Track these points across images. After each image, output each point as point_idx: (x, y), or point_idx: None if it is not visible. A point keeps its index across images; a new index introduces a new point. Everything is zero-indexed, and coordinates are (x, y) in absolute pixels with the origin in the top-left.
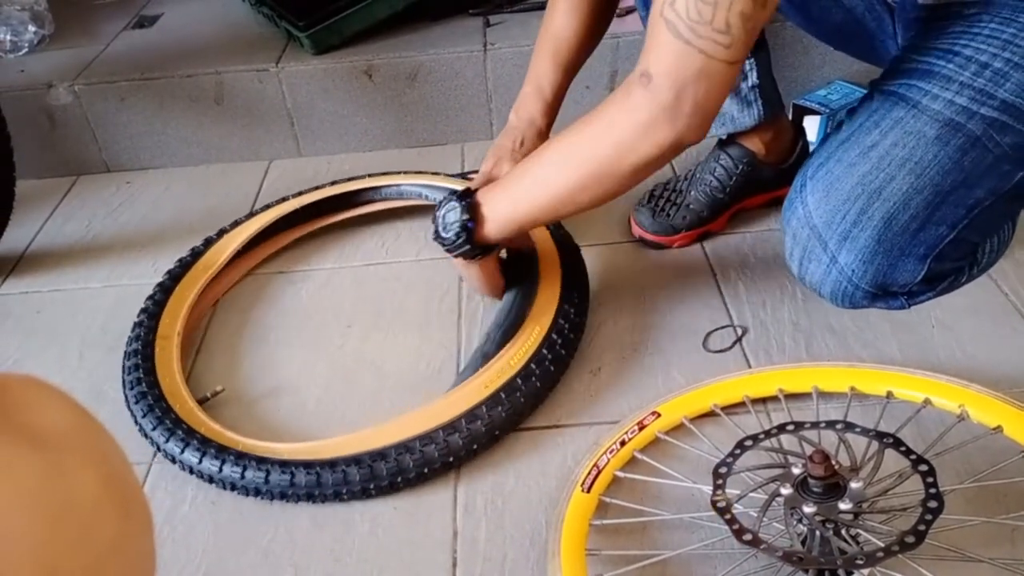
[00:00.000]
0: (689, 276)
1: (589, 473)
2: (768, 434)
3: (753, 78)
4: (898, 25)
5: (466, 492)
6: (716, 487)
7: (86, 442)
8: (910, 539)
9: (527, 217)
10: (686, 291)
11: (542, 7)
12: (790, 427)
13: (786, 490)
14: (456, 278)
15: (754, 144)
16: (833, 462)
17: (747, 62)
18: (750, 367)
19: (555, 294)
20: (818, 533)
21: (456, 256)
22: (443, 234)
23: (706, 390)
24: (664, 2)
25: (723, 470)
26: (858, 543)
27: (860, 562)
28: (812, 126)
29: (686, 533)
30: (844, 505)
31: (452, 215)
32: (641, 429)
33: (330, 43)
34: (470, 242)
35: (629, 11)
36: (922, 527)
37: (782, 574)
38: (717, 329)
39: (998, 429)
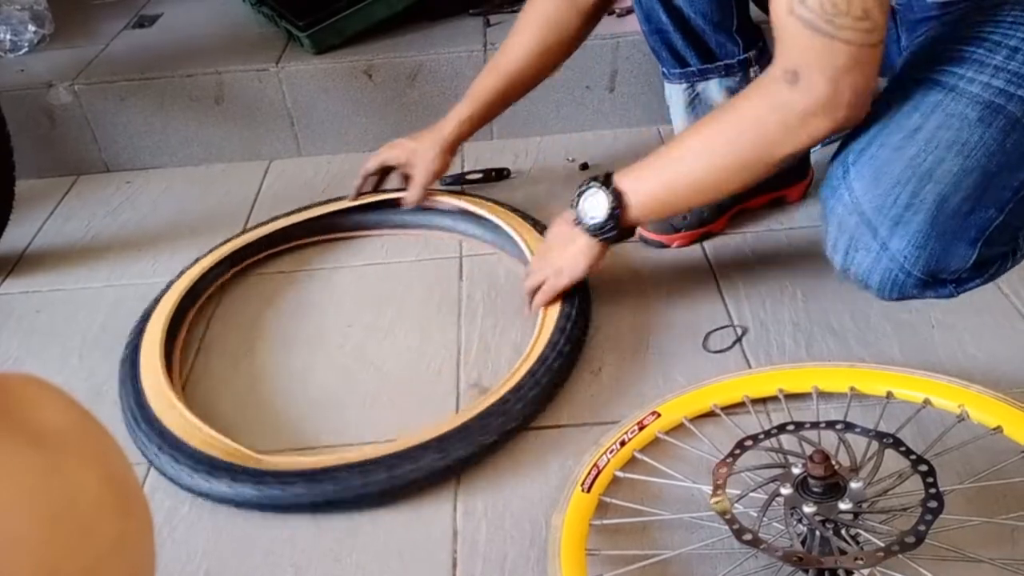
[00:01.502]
0: (689, 276)
1: (589, 473)
2: (768, 434)
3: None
4: (901, 29)
5: (466, 492)
6: (716, 487)
7: (86, 442)
8: (910, 539)
9: (670, 204)
10: (686, 291)
11: None
12: (790, 427)
13: (786, 490)
14: (456, 278)
15: None
16: (833, 462)
17: (751, 70)
18: (750, 367)
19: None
20: (818, 533)
21: (601, 240)
22: (588, 220)
23: (706, 390)
24: (791, 1)
25: (723, 470)
26: (858, 543)
27: (860, 562)
28: None
29: (686, 533)
30: (844, 505)
31: (596, 201)
32: (641, 429)
33: (330, 43)
34: (617, 227)
35: (628, 11)
36: (922, 527)
37: (782, 574)
38: (717, 329)
39: (998, 429)
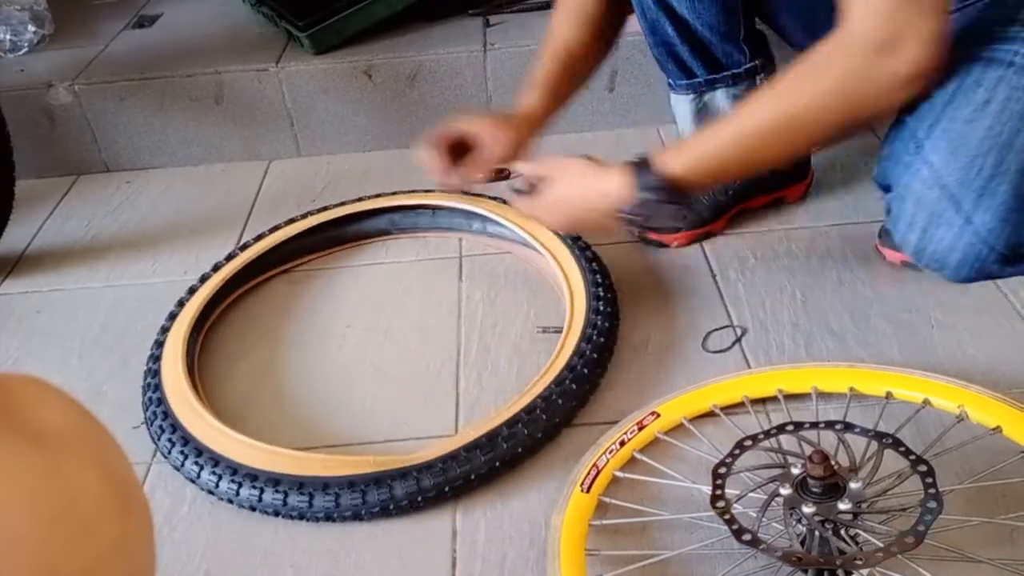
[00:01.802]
0: (689, 276)
1: (588, 473)
2: (767, 434)
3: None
4: None
5: (465, 492)
6: (715, 487)
7: (86, 442)
8: (909, 539)
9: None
10: (686, 291)
11: (542, 7)
12: (789, 427)
13: (785, 490)
14: (456, 278)
15: None
16: (832, 462)
17: (757, 78)
18: (749, 367)
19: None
20: (817, 533)
21: (667, 205)
22: (639, 208)
23: (705, 390)
24: None
25: (722, 470)
26: (857, 543)
27: (859, 562)
28: None
29: (686, 533)
30: (843, 505)
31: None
32: (640, 429)
33: (330, 43)
34: (673, 199)
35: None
36: (921, 527)
37: (781, 574)
38: (717, 329)
39: (997, 429)
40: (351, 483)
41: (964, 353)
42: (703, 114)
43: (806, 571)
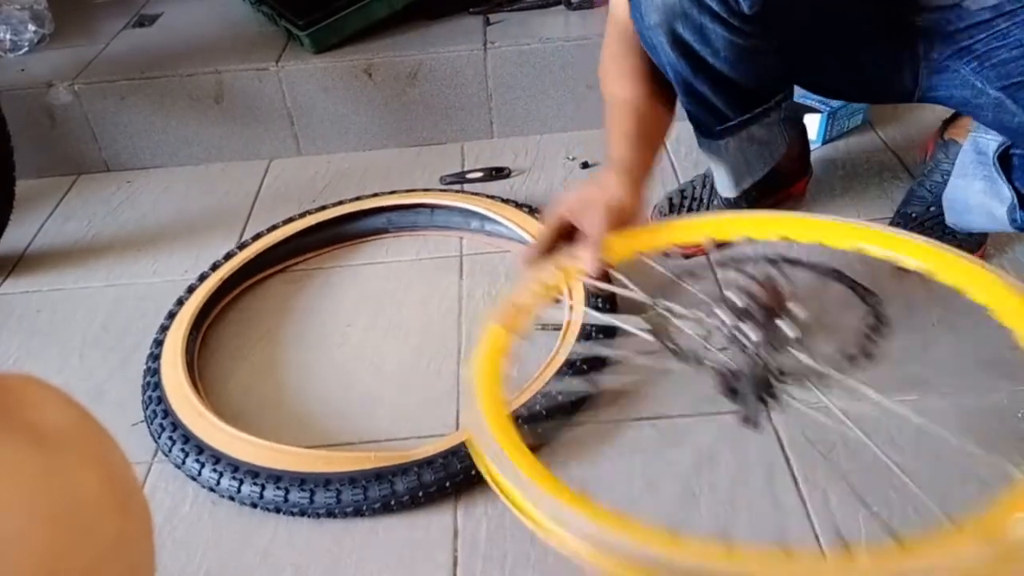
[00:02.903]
0: (690, 277)
1: (508, 311)
2: (715, 265)
3: (780, 114)
4: (924, 46)
5: (466, 491)
6: (653, 312)
7: (86, 442)
8: (853, 353)
9: None
10: (686, 290)
11: (541, 6)
12: (732, 262)
13: (729, 316)
14: (457, 278)
15: None
16: (778, 290)
17: (783, 105)
18: None
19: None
20: (762, 355)
21: None
22: None
23: (633, 239)
24: None
25: (659, 299)
26: (800, 363)
27: (798, 378)
28: (812, 123)
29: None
30: (787, 330)
31: None
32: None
33: (330, 42)
34: None
35: None
36: (867, 344)
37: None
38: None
39: (928, 272)
40: (352, 479)
41: (965, 351)
42: (739, 152)
43: (735, 396)
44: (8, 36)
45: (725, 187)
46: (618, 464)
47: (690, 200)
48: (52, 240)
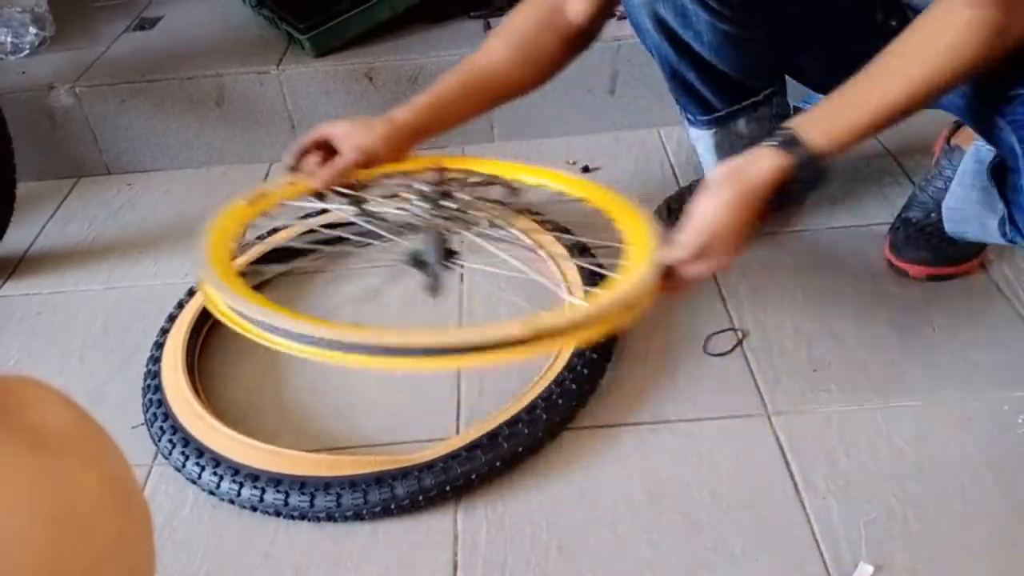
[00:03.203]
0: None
1: (256, 195)
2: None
3: (771, 110)
4: None
5: (466, 495)
6: (355, 197)
7: (86, 444)
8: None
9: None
10: (687, 293)
11: None
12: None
13: (414, 198)
14: (458, 277)
15: None
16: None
17: (774, 99)
18: (751, 371)
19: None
20: (442, 230)
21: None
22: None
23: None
24: None
25: (361, 190)
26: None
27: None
28: None
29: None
30: (452, 204)
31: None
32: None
33: (331, 45)
34: (822, 174)
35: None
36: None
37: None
38: (718, 332)
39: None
40: (353, 483)
41: (966, 357)
42: (725, 144)
43: (423, 266)
44: (9, 38)
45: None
46: (618, 468)
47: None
48: (53, 242)
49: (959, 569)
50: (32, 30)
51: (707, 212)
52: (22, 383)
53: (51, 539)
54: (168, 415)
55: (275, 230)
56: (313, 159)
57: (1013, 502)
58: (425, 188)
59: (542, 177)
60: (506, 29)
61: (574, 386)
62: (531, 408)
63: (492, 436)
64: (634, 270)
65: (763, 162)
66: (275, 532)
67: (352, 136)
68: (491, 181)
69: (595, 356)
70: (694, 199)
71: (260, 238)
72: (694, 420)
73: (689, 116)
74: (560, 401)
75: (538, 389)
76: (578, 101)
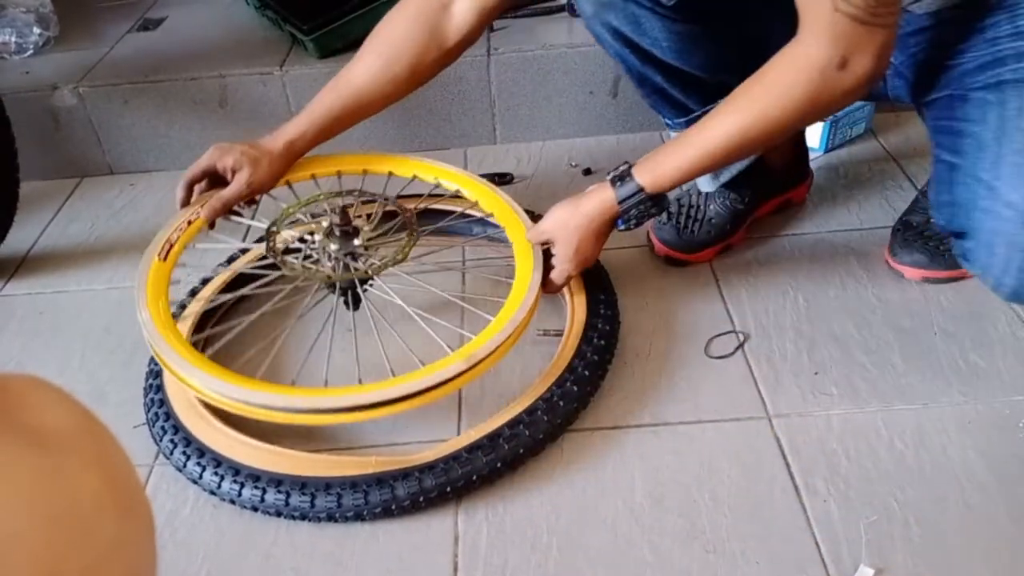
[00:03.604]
0: (692, 281)
1: (163, 247)
2: (307, 203)
3: None
4: None
5: (467, 496)
6: (269, 238)
7: (88, 443)
8: (400, 256)
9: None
10: (688, 296)
11: (545, 13)
12: (321, 199)
13: (320, 237)
14: (459, 278)
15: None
16: (351, 215)
17: None
18: (752, 374)
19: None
20: (341, 262)
21: (647, 218)
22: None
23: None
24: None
25: (273, 228)
26: (368, 264)
27: (370, 271)
28: (815, 132)
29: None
30: (357, 242)
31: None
32: (192, 221)
33: (334, 47)
34: (653, 202)
35: None
36: (406, 249)
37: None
38: (719, 335)
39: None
40: (353, 483)
41: (967, 360)
42: None
43: (335, 290)
44: (13, 39)
45: (701, 180)
46: (619, 470)
47: (687, 208)
48: (55, 242)
49: (959, 572)
50: (36, 30)
51: (548, 225)
52: (24, 382)
53: (51, 539)
54: (169, 415)
55: (198, 287)
56: (201, 188)
57: (1013, 506)
58: (334, 225)
59: (448, 179)
60: (384, 40)
61: (575, 388)
62: (532, 410)
63: (493, 437)
64: (523, 277)
65: (595, 195)
66: (276, 532)
67: (240, 169)
68: (395, 210)
69: (596, 358)
70: (547, 214)
71: (192, 293)
72: (695, 422)
73: (667, 120)
74: (561, 403)
75: (539, 391)
76: (580, 103)
